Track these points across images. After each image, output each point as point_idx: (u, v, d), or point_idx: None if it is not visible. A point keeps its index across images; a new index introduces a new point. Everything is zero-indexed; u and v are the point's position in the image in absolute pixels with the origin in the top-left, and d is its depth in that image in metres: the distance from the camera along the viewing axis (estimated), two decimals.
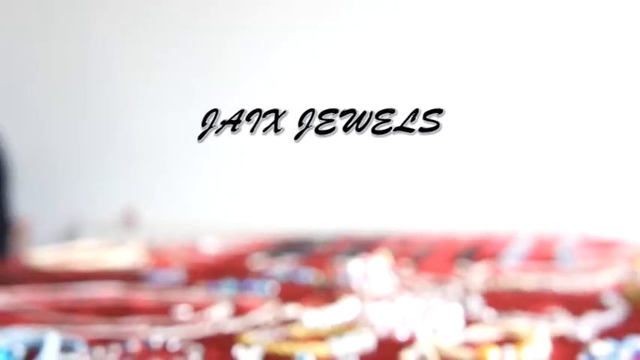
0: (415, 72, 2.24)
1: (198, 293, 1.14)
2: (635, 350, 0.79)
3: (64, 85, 2.56)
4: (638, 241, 1.62)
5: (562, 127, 2.21)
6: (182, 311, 1.01)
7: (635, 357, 0.77)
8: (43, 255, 1.50)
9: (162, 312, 1.02)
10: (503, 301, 1.04)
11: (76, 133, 2.54)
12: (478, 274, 1.24)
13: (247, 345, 0.81)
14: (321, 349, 0.82)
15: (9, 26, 2.57)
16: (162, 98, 2.48)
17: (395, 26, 2.26)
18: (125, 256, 1.48)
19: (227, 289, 1.15)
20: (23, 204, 2.39)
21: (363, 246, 1.60)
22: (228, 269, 1.32)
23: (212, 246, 1.62)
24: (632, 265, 1.26)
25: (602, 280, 1.17)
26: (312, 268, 1.29)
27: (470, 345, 0.83)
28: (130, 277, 1.28)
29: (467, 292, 1.08)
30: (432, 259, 1.41)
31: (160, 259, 1.48)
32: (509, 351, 0.78)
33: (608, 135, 2.18)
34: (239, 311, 1.01)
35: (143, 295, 1.14)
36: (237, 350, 0.79)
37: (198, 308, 1.03)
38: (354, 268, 1.16)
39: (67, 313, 1.00)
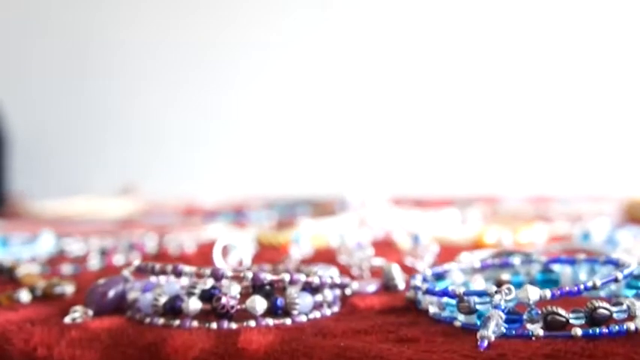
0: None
1: (195, 223, 1.14)
2: (634, 233, 0.78)
3: (63, 63, 2.56)
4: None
5: (541, 97, 2.20)
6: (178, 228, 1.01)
7: (634, 238, 0.76)
8: (41, 206, 1.50)
9: (158, 229, 1.01)
10: (501, 218, 1.04)
11: (74, 112, 2.53)
12: (476, 209, 1.23)
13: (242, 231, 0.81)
14: (319, 240, 0.81)
15: (10, 7, 2.57)
16: (161, 78, 2.48)
17: None
18: (123, 206, 1.48)
19: (224, 218, 1.15)
20: (21, 181, 2.39)
21: None
22: (224, 210, 1.32)
23: (209, 198, 1.61)
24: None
25: (601, 206, 1.16)
26: (308, 205, 1.28)
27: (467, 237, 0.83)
28: (127, 221, 1.27)
29: (465, 212, 1.08)
30: (429, 202, 1.40)
31: (157, 206, 1.47)
32: (506, 232, 0.78)
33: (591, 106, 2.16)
34: (236, 226, 1.01)
35: (140, 228, 1.14)
36: (232, 236, 0.79)
37: (195, 230, 1.03)
38: (352, 196, 1.15)
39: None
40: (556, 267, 0.54)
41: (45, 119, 2.60)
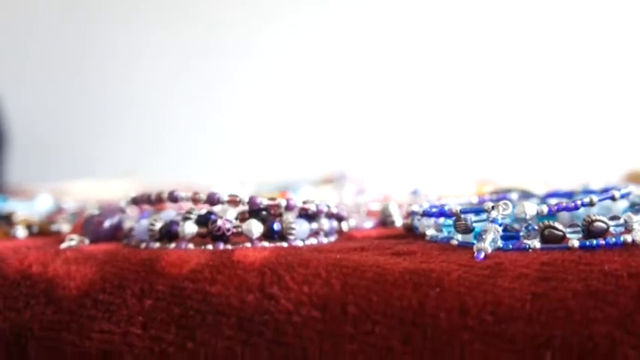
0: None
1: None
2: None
3: (62, 50, 2.56)
4: None
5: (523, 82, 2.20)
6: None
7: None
8: (39, 188, 1.50)
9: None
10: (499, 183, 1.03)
11: (73, 103, 2.54)
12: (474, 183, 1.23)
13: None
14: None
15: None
16: (159, 67, 2.48)
17: None
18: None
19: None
20: (19, 174, 2.38)
21: None
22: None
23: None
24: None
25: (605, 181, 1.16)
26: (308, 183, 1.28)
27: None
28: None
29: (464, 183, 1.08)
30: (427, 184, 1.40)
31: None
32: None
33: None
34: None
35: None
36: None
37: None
38: (351, 171, 1.15)
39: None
40: (553, 201, 0.54)
41: (43, 110, 2.60)
